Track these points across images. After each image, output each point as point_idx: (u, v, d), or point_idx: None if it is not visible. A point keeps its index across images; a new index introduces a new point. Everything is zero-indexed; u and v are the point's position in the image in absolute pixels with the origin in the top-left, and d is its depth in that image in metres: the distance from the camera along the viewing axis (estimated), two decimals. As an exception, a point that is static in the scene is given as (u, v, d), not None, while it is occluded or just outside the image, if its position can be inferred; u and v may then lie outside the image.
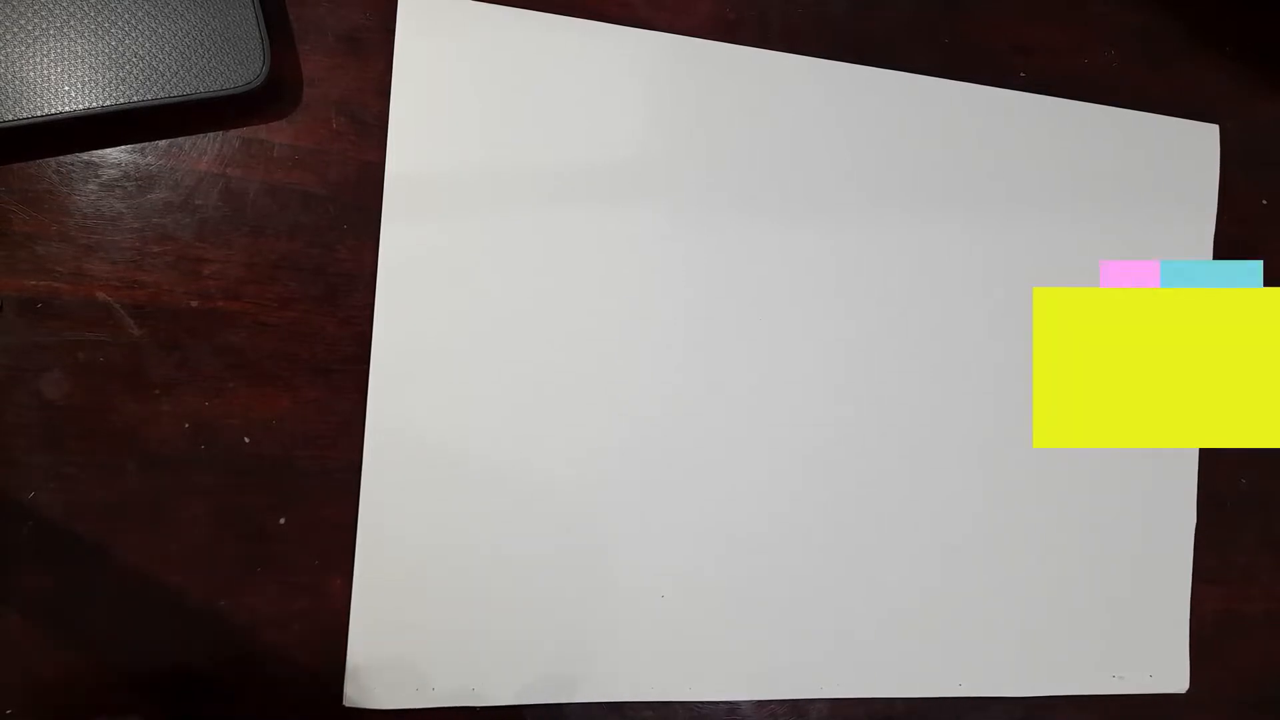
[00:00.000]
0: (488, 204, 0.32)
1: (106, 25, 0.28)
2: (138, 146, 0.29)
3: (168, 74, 0.28)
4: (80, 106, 0.28)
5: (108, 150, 0.29)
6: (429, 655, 0.31)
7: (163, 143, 0.29)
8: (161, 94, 0.28)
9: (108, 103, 0.28)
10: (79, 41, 0.27)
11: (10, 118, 0.27)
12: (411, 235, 0.31)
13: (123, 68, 0.28)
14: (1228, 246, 0.39)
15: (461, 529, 0.31)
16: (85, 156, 0.29)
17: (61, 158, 0.29)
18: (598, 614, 0.32)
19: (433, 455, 0.31)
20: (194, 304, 0.30)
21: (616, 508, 0.33)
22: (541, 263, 0.32)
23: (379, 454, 0.30)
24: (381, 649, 0.30)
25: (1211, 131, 0.39)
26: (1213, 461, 0.37)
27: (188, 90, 0.28)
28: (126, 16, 0.28)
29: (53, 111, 0.27)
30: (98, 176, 0.29)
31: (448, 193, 0.31)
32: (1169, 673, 0.37)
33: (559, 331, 0.32)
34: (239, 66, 0.29)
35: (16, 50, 0.27)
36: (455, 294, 0.31)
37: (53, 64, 0.27)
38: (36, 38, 0.27)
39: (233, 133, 0.30)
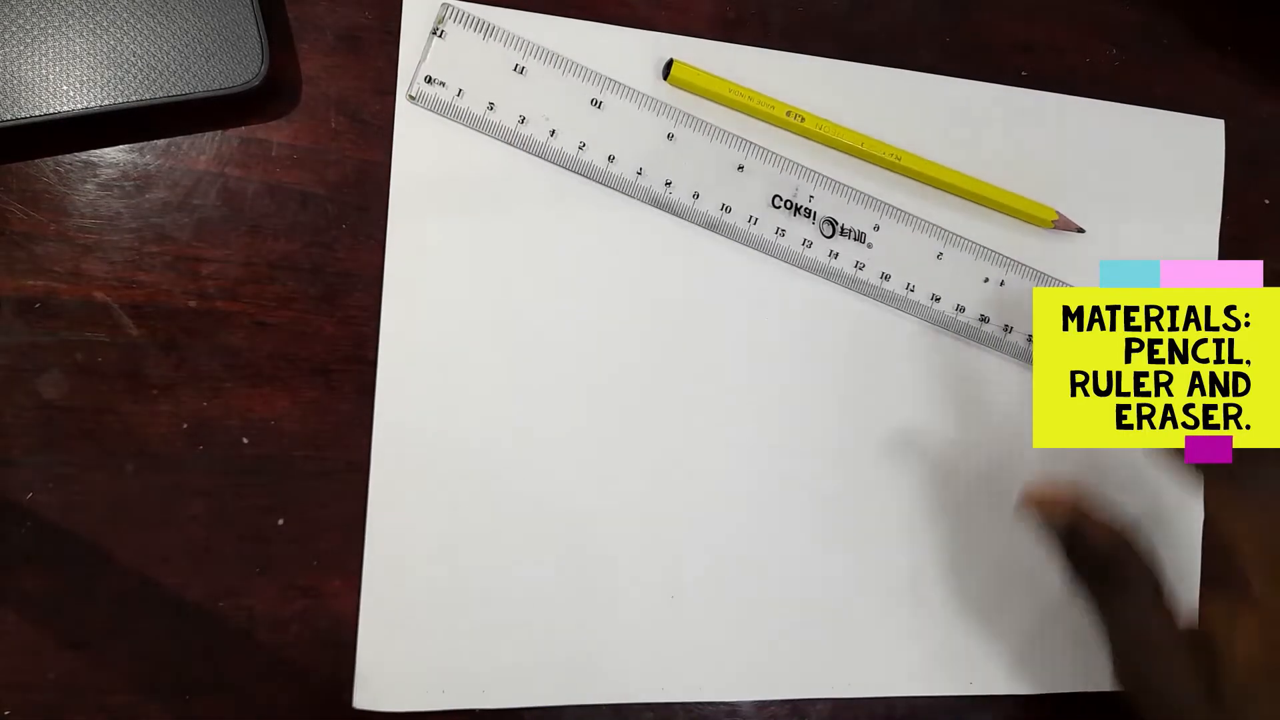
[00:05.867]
0: (492, 203, 0.32)
1: (104, 25, 0.28)
2: (136, 146, 0.29)
3: (166, 73, 0.28)
4: (78, 106, 0.27)
5: (105, 150, 0.29)
6: (439, 657, 0.31)
7: (161, 142, 0.29)
8: (159, 93, 0.28)
9: (105, 102, 0.28)
10: (77, 41, 0.27)
11: (9, 117, 0.27)
12: (417, 232, 0.31)
13: (121, 67, 0.28)
14: (1228, 246, 0.39)
15: (470, 529, 0.31)
16: (83, 156, 0.29)
17: (59, 157, 0.29)
18: (606, 614, 0.32)
19: (441, 456, 0.31)
20: (192, 304, 0.29)
21: (624, 508, 0.33)
22: (550, 262, 0.32)
23: (386, 455, 0.30)
24: (391, 651, 0.30)
25: (1216, 127, 0.39)
26: (1214, 461, 0.37)
27: (186, 90, 0.28)
28: (125, 16, 0.28)
29: (50, 111, 0.27)
30: (96, 176, 0.29)
31: (452, 191, 0.31)
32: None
33: (568, 330, 0.32)
34: (237, 66, 0.28)
35: (14, 50, 0.27)
36: (462, 292, 0.31)
37: (50, 63, 0.27)
38: (35, 37, 0.27)
39: (231, 132, 0.30)
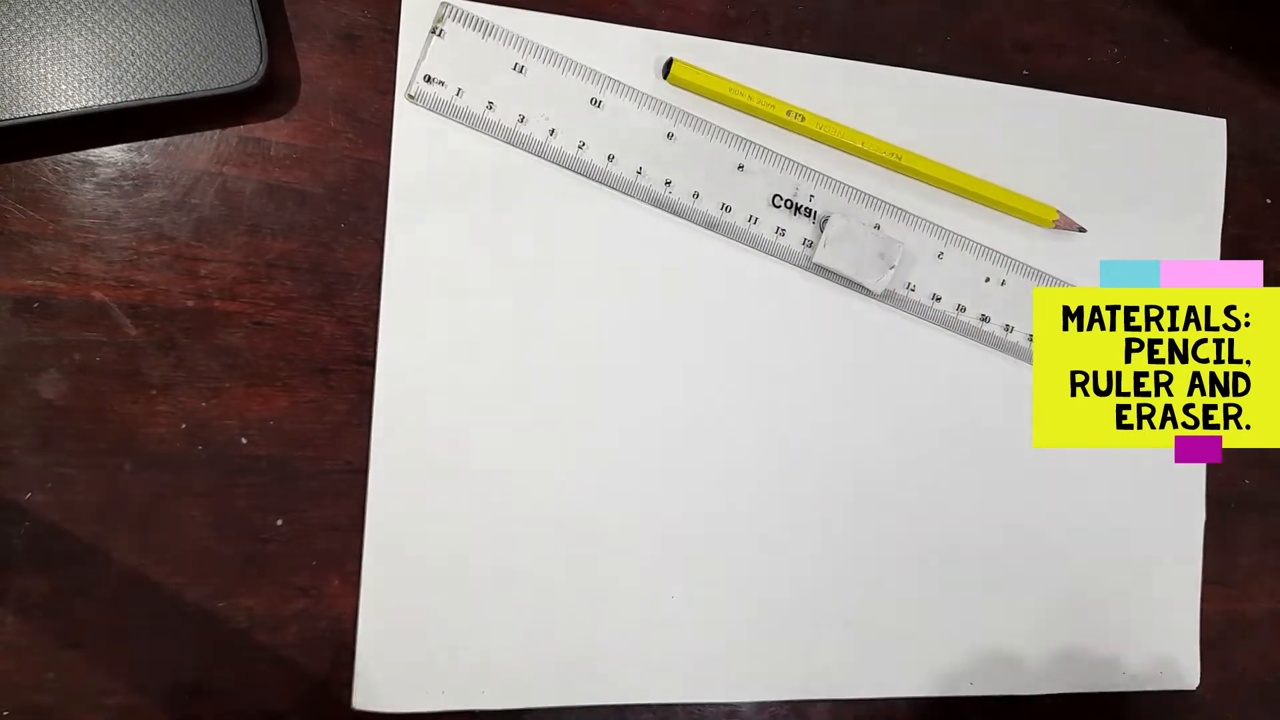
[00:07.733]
0: (491, 202, 0.32)
1: (103, 24, 0.28)
2: (134, 145, 0.29)
3: (165, 73, 0.28)
4: (77, 105, 0.27)
5: (104, 149, 0.29)
6: (439, 657, 0.31)
7: (159, 141, 0.29)
8: (158, 93, 0.28)
9: (104, 101, 0.28)
10: (76, 40, 0.27)
11: (7, 117, 0.27)
12: (416, 232, 0.31)
13: (119, 66, 0.28)
14: (1228, 246, 0.39)
15: (470, 529, 0.31)
16: (82, 155, 0.29)
17: (58, 156, 0.29)
18: (606, 614, 0.32)
19: (440, 456, 0.31)
20: (190, 304, 0.29)
21: (625, 508, 0.32)
22: (549, 261, 0.32)
23: (386, 455, 0.30)
24: (391, 651, 0.30)
25: (1218, 126, 0.39)
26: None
27: (185, 89, 0.28)
28: (123, 15, 0.28)
29: (49, 110, 0.27)
30: (94, 175, 0.29)
31: (451, 190, 0.31)
32: (1179, 669, 0.37)
33: (567, 330, 0.32)
34: (236, 65, 0.28)
35: (13, 49, 0.27)
36: (461, 292, 0.31)
37: (49, 63, 0.27)
38: (34, 36, 0.27)
39: (230, 131, 0.30)
